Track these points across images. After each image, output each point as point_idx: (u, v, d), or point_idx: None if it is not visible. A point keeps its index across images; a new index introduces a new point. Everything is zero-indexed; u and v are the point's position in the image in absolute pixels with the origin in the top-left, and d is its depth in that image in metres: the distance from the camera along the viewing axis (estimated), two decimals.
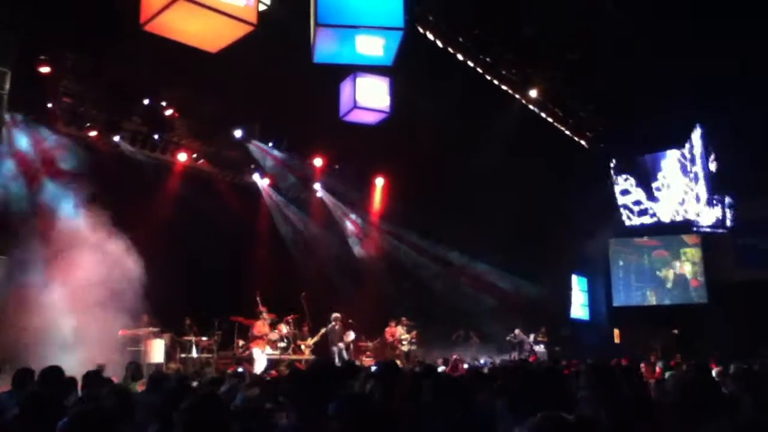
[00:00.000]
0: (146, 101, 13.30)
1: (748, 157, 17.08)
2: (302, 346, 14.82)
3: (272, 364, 13.10)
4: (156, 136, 14.16)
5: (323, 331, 14.80)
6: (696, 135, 17.53)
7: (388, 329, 16.29)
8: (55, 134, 12.11)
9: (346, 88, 10.47)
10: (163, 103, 13.55)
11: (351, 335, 15.11)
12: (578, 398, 3.63)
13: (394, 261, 18.82)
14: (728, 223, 18.44)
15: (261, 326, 13.66)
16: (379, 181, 18.16)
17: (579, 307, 22.20)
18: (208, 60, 10.94)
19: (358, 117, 10.58)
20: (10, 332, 9.80)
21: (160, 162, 14.50)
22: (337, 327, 14.77)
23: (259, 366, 12.73)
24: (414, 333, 16.23)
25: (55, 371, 5.49)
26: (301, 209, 17.79)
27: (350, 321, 15.24)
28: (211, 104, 13.92)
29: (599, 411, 3.36)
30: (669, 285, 21.49)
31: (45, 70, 11.52)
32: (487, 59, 13.76)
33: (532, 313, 18.55)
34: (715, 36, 13.14)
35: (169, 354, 12.69)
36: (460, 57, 13.33)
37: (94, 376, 6.13)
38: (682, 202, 18.61)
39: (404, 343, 15.94)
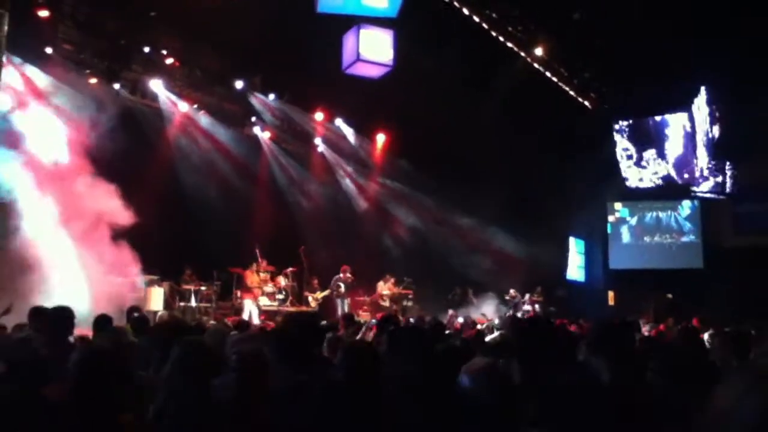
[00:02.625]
0: (146, 49, 13.13)
1: (749, 122, 16.99)
2: (310, 298, 15.03)
3: (269, 315, 13.30)
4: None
5: (333, 286, 15.02)
6: (700, 99, 17.36)
7: (386, 285, 16.50)
8: (55, 80, 11.99)
9: (349, 39, 10.33)
10: (164, 52, 13.39)
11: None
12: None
13: (393, 218, 18.87)
14: (728, 188, 18.40)
15: (252, 277, 13.80)
16: (380, 137, 18.04)
17: (575, 269, 22.34)
18: (209, 9, 10.84)
19: (360, 70, 10.47)
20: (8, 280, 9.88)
21: (161, 111, 14.39)
22: (346, 280, 15.01)
23: (246, 316, 12.83)
24: (400, 288, 16.44)
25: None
26: (302, 163, 17.76)
27: (350, 276, 15.41)
28: (212, 55, 13.79)
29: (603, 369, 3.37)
30: (666, 249, 21.59)
31: (44, 14, 11.36)
32: (493, 15, 13.56)
33: (528, 273, 18.69)
34: None
35: (168, 303, 12.84)
36: (465, 11, 13.14)
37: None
38: (683, 166, 18.56)
39: (385, 299, 16.09)
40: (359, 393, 2.93)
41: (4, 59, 10.19)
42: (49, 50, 11.93)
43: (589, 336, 3.61)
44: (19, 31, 10.22)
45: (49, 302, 6.47)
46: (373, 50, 10.09)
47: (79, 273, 10.85)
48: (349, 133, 17.70)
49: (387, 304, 16.01)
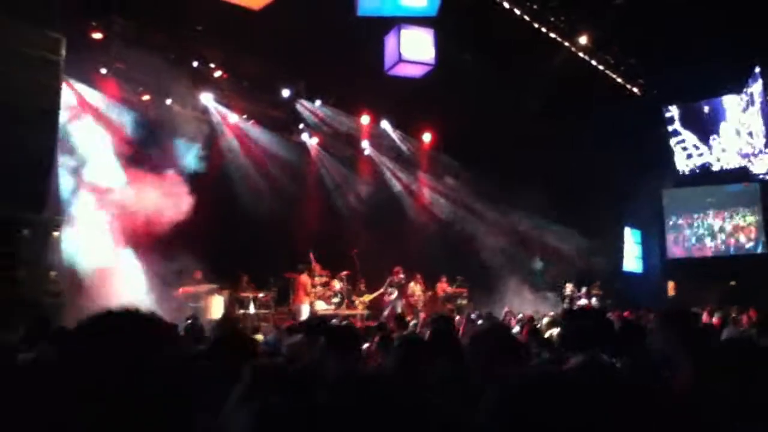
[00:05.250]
0: (195, 63, 13.49)
1: None
2: (356, 302, 15.13)
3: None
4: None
5: (385, 288, 15.11)
6: (754, 78, 16.80)
7: (439, 284, 16.47)
8: (109, 98, 12.46)
9: (390, 41, 10.42)
10: (212, 65, 13.74)
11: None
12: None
13: (442, 217, 18.84)
14: None
15: (306, 282, 13.97)
16: (426, 136, 18.06)
17: (632, 260, 21.89)
18: (252, 19, 11.07)
19: (403, 70, 10.55)
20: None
21: (211, 123, 14.77)
22: (400, 281, 15.13)
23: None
24: (453, 287, 16.44)
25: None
26: (350, 167, 17.92)
27: (402, 277, 15.49)
28: (257, 64, 14.07)
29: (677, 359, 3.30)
30: (725, 236, 20.93)
31: (97, 36, 11.80)
32: (534, 6, 13.45)
33: (585, 266, 18.41)
34: None
35: (228, 310, 13.11)
36: (506, 5, 13.07)
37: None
38: (739, 150, 17.99)
39: (416, 296, 15.97)
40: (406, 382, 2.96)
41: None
42: (103, 70, 12.40)
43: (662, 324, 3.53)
44: (75, 54, 10.61)
45: None
46: (414, 50, 10.15)
47: (138, 284, 11.20)
48: (394, 134, 17.78)
49: (421, 303, 15.89)
